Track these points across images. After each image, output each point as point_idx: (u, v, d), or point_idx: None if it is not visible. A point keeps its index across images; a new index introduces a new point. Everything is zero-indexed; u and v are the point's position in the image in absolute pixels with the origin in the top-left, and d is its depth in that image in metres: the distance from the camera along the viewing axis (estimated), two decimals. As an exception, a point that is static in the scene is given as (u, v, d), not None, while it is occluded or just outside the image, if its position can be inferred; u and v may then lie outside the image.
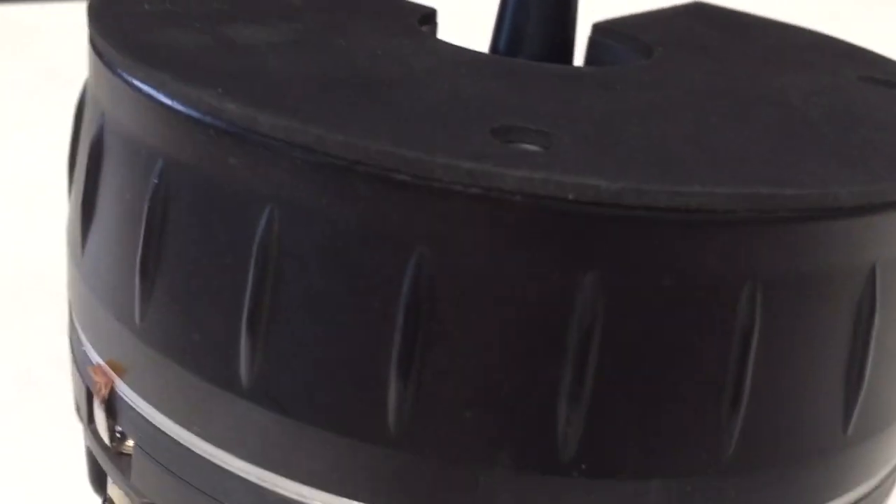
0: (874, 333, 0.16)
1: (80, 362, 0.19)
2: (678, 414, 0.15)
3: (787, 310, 0.15)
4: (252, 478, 0.16)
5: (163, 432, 0.17)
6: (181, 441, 0.17)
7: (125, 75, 0.16)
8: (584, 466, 0.15)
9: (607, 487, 0.15)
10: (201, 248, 0.16)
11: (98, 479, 0.20)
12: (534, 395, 0.14)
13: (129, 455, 0.19)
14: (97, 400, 0.18)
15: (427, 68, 0.18)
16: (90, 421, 0.19)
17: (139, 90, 0.16)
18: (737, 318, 0.14)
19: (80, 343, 0.19)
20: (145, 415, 0.17)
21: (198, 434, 0.16)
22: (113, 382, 0.18)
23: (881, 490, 0.18)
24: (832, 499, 0.17)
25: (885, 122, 0.18)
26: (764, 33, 0.24)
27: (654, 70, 0.20)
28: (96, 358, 0.18)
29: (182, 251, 0.16)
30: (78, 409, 0.20)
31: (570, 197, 0.13)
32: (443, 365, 0.14)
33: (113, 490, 0.19)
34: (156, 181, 0.16)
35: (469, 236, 0.14)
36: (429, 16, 0.21)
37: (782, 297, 0.15)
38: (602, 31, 0.23)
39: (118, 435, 0.18)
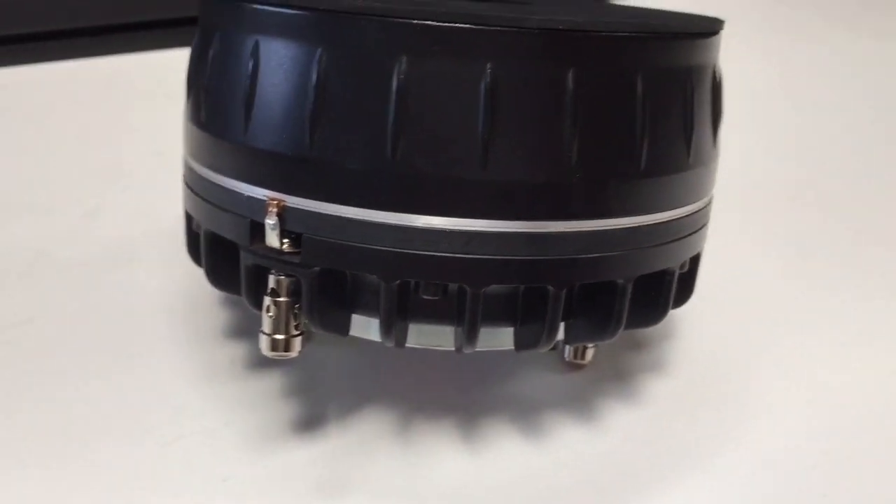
0: (694, 103, 0.31)
1: (237, 207, 0.30)
2: (618, 144, 0.29)
3: (657, 89, 0.29)
4: (394, 220, 0.28)
5: (327, 215, 0.28)
6: (342, 215, 0.28)
7: (288, 10, 0.28)
8: (579, 175, 0.28)
9: (589, 185, 0.28)
10: (353, 94, 0.28)
11: (255, 293, 0.31)
12: (553, 131, 0.28)
13: (289, 252, 0.30)
14: (269, 217, 0.29)
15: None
16: (253, 242, 0.30)
17: (303, 12, 0.28)
18: (637, 91, 0.29)
19: (238, 196, 0.30)
20: (315, 209, 0.29)
21: (356, 205, 0.28)
22: (284, 200, 0.29)
23: (708, 208, 0.34)
24: (686, 203, 0.32)
25: (670, 16, 0.34)
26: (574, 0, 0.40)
27: (540, 6, 0.35)
28: (265, 193, 0.29)
29: (338, 100, 0.28)
30: (244, 238, 0.30)
31: (562, 27, 0.27)
32: (508, 125, 0.27)
33: (277, 282, 0.30)
34: (317, 65, 0.28)
35: (514, 52, 0.27)
36: None
37: (658, 82, 0.29)
38: None
39: (286, 238, 0.29)
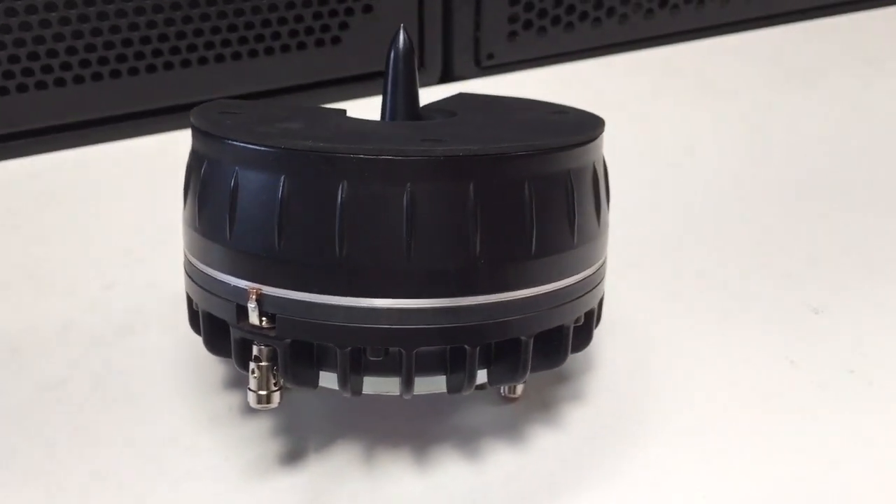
0: (575, 196, 0.40)
1: (226, 294, 0.39)
2: (511, 235, 0.38)
3: (542, 191, 0.38)
4: (344, 303, 0.37)
5: (294, 300, 0.37)
6: (305, 300, 0.37)
7: (259, 147, 0.37)
8: (482, 262, 0.37)
9: (490, 268, 0.37)
10: (308, 209, 0.37)
11: (242, 359, 0.40)
12: (460, 230, 0.37)
13: (266, 328, 0.38)
14: (251, 302, 0.38)
15: (371, 128, 0.41)
16: (239, 321, 0.39)
17: (270, 149, 0.37)
18: (525, 195, 0.38)
19: (226, 285, 0.39)
20: (284, 295, 0.38)
21: (315, 291, 0.37)
22: (261, 289, 0.38)
23: (599, 273, 0.42)
24: (573, 274, 0.40)
25: (560, 124, 0.43)
26: (496, 101, 0.49)
27: (462, 118, 0.44)
28: (246, 284, 0.38)
29: (298, 214, 0.37)
30: (232, 317, 0.39)
31: (461, 154, 0.36)
32: (425, 228, 0.36)
33: (259, 350, 0.39)
34: (281, 189, 0.37)
35: (426, 175, 0.36)
36: (344, 111, 0.44)
37: (542, 185, 0.38)
38: (426, 109, 0.46)
39: (263, 317, 0.38)
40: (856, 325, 0.54)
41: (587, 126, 0.43)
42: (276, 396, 0.40)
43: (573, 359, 0.50)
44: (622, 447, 0.46)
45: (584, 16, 0.80)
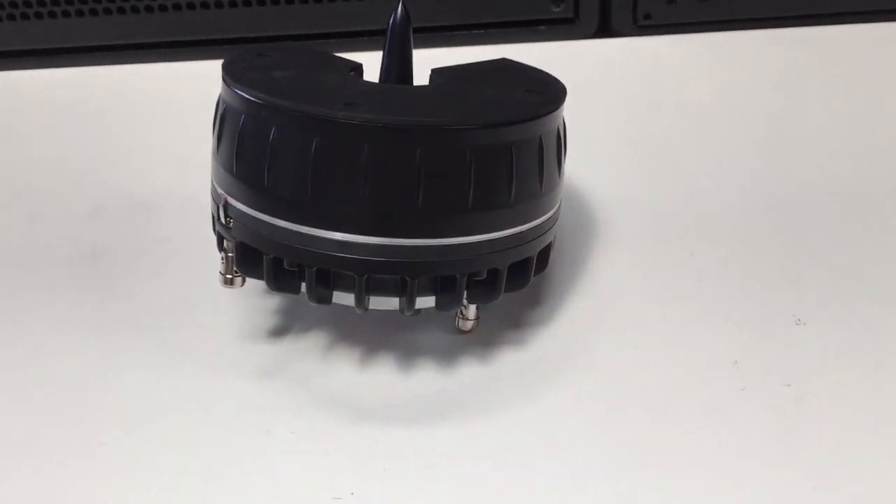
0: (515, 164, 0.46)
1: (215, 197, 0.51)
2: (451, 191, 0.46)
3: (484, 158, 0.46)
4: (269, 220, 0.47)
5: (239, 209, 0.49)
6: (244, 211, 0.48)
7: (233, 90, 0.48)
8: (421, 209, 0.46)
9: (427, 215, 0.46)
10: (252, 144, 0.47)
11: (221, 244, 0.52)
12: (406, 183, 0.46)
13: (229, 227, 0.50)
14: (221, 205, 0.50)
15: (337, 86, 0.50)
16: (218, 218, 0.51)
17: (237, 93, 0.48)
18: (465, 164, 0.45)
19: (215, 191, 0.51)
20: (237, 206, 0.49)
21: (249, 207, 0.48)
22: (227, 198, 0.50)
23: (554, 216, 0.50)
24: (535, 218, 0.49)
25: (512, 104, 0.49)
26: (503, 73, 0.55)
27: (443, 87, 0.51)
28: (222, 192, 0.50)
29: (247, 146, 0.48)
30: (216, 214, 0.51)
31: (357, 122, 0.45)
32: (381, 184, 0.46)
33: (227, 244, 0.51)
34: (240, 124, 0.48)
35: (324, 132, 0.45)
36: (358, 66, 0.53)
37: (487, 155, 0.46)
38: (435, 71, 0.54)
39: (227, 218, 0.50)
40: (830, 343, 0.53)
41: (526, 109, 0.48)
42: (238, 281, 0.52)
43: (537, 310, 0.57)
44: (537, 390, 0.52)
45: (751, -14, 0.79)
